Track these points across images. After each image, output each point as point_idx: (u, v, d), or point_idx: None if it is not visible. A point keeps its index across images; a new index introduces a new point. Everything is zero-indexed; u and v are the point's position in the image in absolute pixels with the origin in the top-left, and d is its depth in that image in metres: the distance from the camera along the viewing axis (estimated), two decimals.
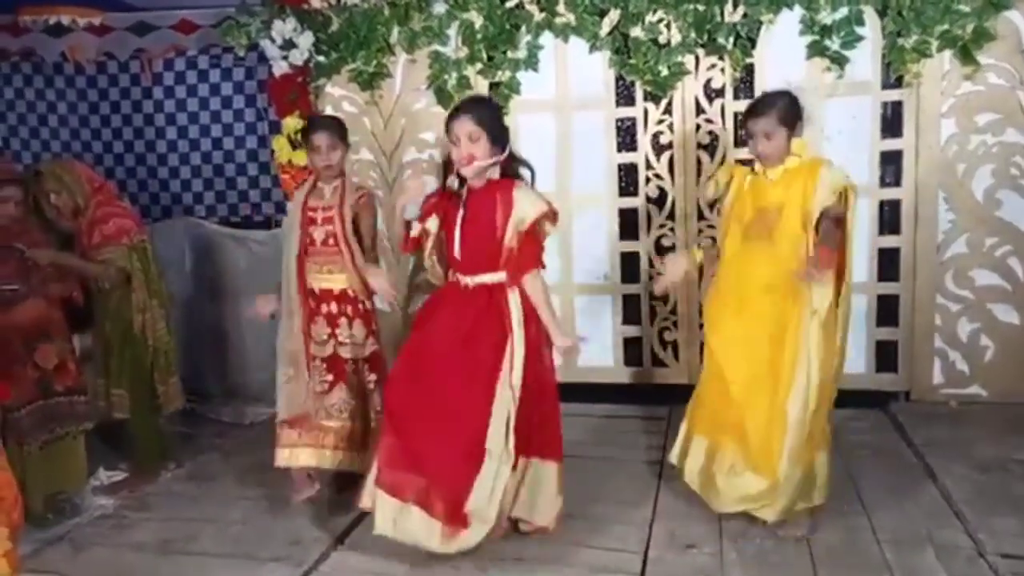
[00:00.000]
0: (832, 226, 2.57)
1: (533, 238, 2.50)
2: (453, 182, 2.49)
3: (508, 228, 2.45)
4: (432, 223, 2.57)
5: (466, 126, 2.40)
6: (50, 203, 3.29)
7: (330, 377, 3.02)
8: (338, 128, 3.02)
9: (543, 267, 2.56)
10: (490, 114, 2.47)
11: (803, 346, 2.56)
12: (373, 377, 3.07)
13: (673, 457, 2.93)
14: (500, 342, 2.47)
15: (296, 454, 3.03)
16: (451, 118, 2.46)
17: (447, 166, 2.54)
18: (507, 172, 2.53)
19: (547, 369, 2.63)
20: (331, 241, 2.99)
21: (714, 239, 4.03)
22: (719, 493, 2.72)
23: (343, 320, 3.02)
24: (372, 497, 2.53)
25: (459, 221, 2.50)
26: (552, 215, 2.50)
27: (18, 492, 2.41)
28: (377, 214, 3.15)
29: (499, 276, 2.51)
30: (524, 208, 2.44)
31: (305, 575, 2.63)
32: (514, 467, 2.53)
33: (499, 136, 2.46)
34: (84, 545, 2.92)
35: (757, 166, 2.73)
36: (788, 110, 2.60)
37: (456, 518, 2.44)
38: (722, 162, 3.98)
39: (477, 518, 2.46)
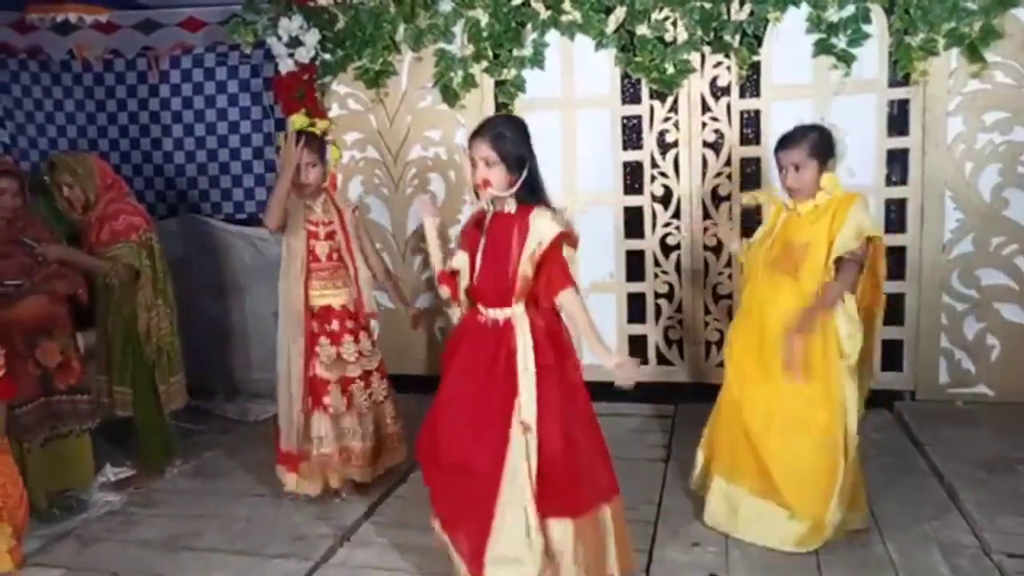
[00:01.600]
0: (849, 267, 2.53)
1: (556, 259, 2.27)
2: (487, 204, 2.32)
3: (522, 257, 2.25)
4: (460, 261, 2.37)
5: (483, 150, 2.24)
6: (62, 195, 3.31)
7: (345, 400, 3.03)
8: (318, 146, 3.04)
9: (575, 286, 2.30)
10: (511, 138, 2.26)
11: (835, 393, 2.52)
12: (384, 384, 3.14)
13: (693, 484, 2.90)
14: (511, 381, 2.26)
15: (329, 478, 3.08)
16: (473, 137, 2.30)
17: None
18: (532, 201, 2.30)
19: (581, 402, 2.36)
20: (335, 256, 3.03)
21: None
22: (751, 535, 2.64)
23: (348, 337, 3.04)
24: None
25: (481, 249, 2.33)
26: (571, 238, 2.30)
27: (24, 491, 2.43)
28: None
29: (510, 311, 2.30)
30: (540, 231, 2.24)
31: (311, 571, 2.63)
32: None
33: (519, 160, 2.25)
34: (91, 541, 2.93)
35: (788, 200, 2.68)
36: (819, 143, 2.56)
37: (475, 565, 2.27)
38: (728, 161, 3.98)
39: (500, 566, 2.24)
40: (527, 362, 2.25)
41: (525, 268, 2.26)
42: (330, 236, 3.04)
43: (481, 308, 2.35)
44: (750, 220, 3.95)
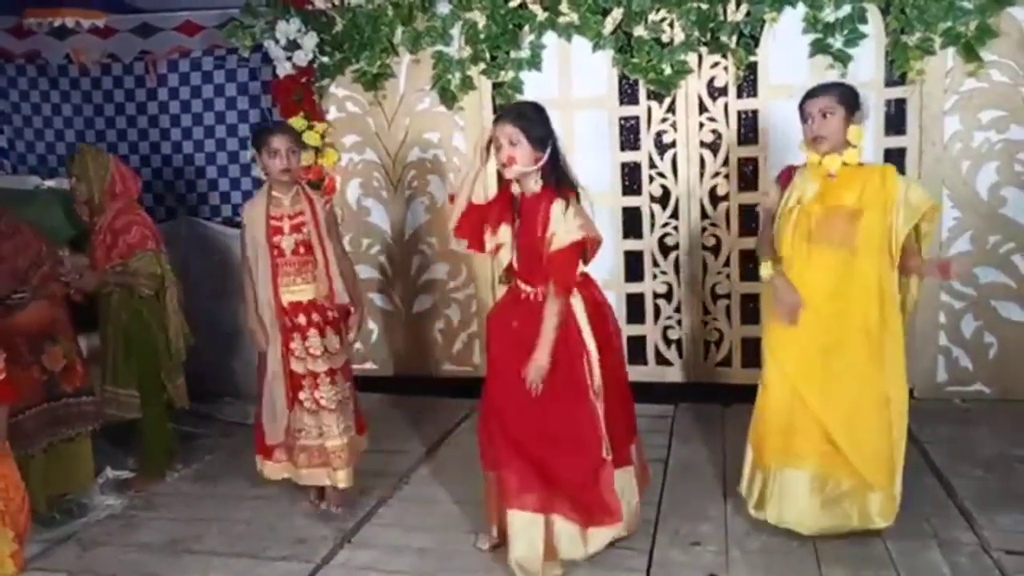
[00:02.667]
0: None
1: (564, 260, 2.38)
2: (515, 185, 2.47)
3: (546, 247, 2.38)
4: (504, 234, 2.49)
5: (507, 129, 2.37)
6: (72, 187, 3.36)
7: (335, 391, 2.98)
8: (295, 134, 3.02)
9: (568, 294, 2.44)
10: (532, 117, 2.40)
11: (898, 359, 2.53)
12: (348, 385, 3.06)
13: (743, 490, 2.77)
14: (578, 350, 2.46)
15: (301, 475, 3.06)
16: (495, 122, 2.43)
17: (500, 176, 2.52)
18: (554, 179, 2.42)
19: (621, 367, 2.70)
20: (301, 250, 2.91)
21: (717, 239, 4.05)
22: (827, 518, 2.58)
23: (313, 331, 2.94)
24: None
25: (515, 230, 2.48)
26: (587, 243, 2.41)
27: (26, 495, 2.43)
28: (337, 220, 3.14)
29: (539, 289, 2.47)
30: (557, 231, 2.36)
31: (312, 573, 2.63)
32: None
33: (542, 139, 2.38)
34: (92, 544, 2.93)
35: (811, 156, 2.57)
36: (848, 93, 2.55)
37: (597, 517, 2.49)
38: (726, 161, 3.99)
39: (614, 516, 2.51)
40: (588, 332, 2.46)
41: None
42: (297, 228, 2.91)
43: (521, 284, 2.52)
44: (748, 221, 3.97)
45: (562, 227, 2.36)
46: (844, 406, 2.54)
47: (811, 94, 2.59)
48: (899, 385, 2.56)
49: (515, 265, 2.51)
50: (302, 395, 2.97)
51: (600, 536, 2.50)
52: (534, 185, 2.44)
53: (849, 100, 2.53)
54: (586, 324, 2.47)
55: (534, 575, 2.41)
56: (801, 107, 2.61)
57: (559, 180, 2.42)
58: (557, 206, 2.37)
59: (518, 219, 2.48)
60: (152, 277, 3.34)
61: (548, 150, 2.39)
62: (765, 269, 2.71)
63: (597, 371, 2.47)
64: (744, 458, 2.77)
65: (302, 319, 2.95)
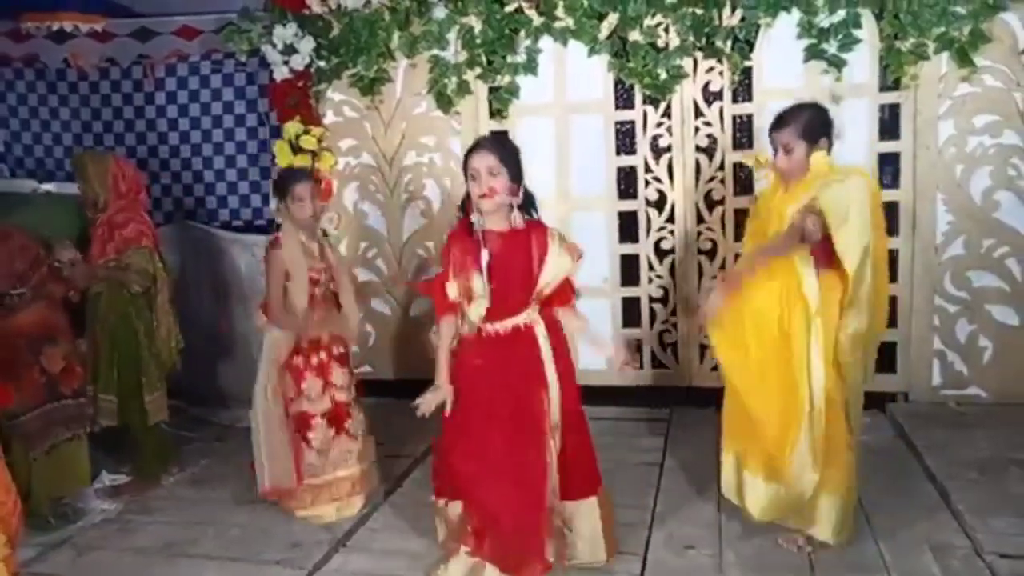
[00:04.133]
0: (787, 233, 2.48)
1: (569, 284, 2.53)
2: (480, 221, 2.38)
3: (542, 275, 2.41)
4: (478, 284, 2.37)
5: (487, 160, 2.34)
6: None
7: (332, 431, 3.04)
8: (313, 178, 3.15)
9: (577, 297, 2.57)
10: (510, 151, 2.41)
11: (808, 347, 2.48)
12: (361, 417, 3.15)
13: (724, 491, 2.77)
14: (539, 384, 2.44)
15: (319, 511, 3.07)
16: (471, 152, 2.39)
17: (465, 205, 2.45)
18: (529, 213, 2.49)
19: (578, 401, 2.57)
20: (327, 296, 3.09)
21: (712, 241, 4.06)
22: (750, 503, 2.62)
23: (335, 364, 3.06)
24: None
25: (486, 267, 2.37)
26: (579, 258, 2.50)
27: (17, 498, 2.43)
28: None
29: (526, 316, 2.44)
30: (558, 262, 2.42)
31: None
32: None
33: (518, 175, 2.40)
34: (87, 549, 2.94)
35: (775, 181, 2.66)
36: (810, 123, 2.52)
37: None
38: (721, 165, 4.00)
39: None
40: (551, 365, 2.44)
41: (545, 285, 2.42)
42: (327, 279, 3.08)
43: (488, 324, 2.43)
44: (743, 225, 3.97)
45: (562, 260, 2.43)
46: (768, 398, 2.55)
47: (775, 124, 2.58)
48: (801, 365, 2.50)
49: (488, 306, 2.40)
50: (311, 434, 3.01)
51: None
52: (508, 219, 2.40)
53: (810, 132, 2.51)
54: (549, 355, 2.44)
55: None
56: (769, 135, 2.61)
57: (537, 218, 2.49)
58: (553, 238, 2.44)
59: (488, 256, 2.37)
60: (144, 273, 3.34)
61: (523, 184, 2.41)
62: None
63: (556, 407, 2.43)
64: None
65: (323, 355, 3.04)
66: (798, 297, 2.51)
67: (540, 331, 2.45)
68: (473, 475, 2.42)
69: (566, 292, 2.52)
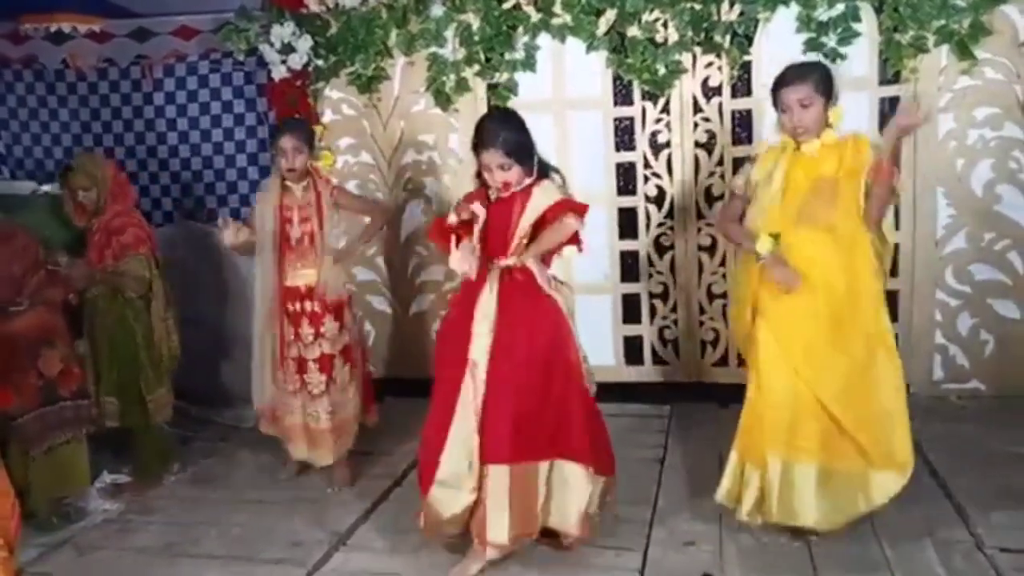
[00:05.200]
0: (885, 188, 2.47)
1: (554, 228, 2.45)
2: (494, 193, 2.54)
3: (522, 222, 2.46)
4: (479, 210, 2.49)
5: (496, 157, 2.42)
6: (75, 199, 3.37)
7: (324, 377, 3.14)
8: (303, 131, 3.16)
9: (578, 218, 2.52)
10: (516, 136, 2.46)
11: (882, 328, 2.51)
12: (347, 368, 3.21)
13: (722, 498, 2.68)
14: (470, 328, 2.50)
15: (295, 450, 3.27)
16: (480, 147, 2.45)
17: (480, 175, 2.56)
18: (538, 173, 2.56)
19: (570, 362, 2.54)
20: (306, 240, 3.14)
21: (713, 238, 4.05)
22: (837, 510, 2.52)
23: (305, 319, 3.15)
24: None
25: (488, 213, 2.52)
26: (573, 206, 2.47)
27: (15, 501, 2.44)
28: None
29: (505, 263, 2.51)
30: (538, 199, 2.46)
31: None
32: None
33: (528, 157, 2.47)
34: (88, 549, 2.94)
35: (788, 142, 2.57)
36: (825, 78, 2.49)
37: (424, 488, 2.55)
38: (720, 161, 3.99)
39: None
40: (489, 305, 2.45)
41: (523, 231, 2.46)
42: (305, 220, 3.15)
43: (497, 260, 2.52)
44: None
45: (541, 196, 2.47)
46: (840, 381, 2.50)
47: (787, 80, 2.49)
48: (891, 346, 2.56)
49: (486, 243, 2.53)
50: (281, 375, 3.20)
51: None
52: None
53: (826, 87, 2.49)
54: (494, 294, 2.47)
55: None
56: (775, 93, 2.53)
57: (542, 172, 2.54)
58: (539, 186, 2.49)
59: (488, 211, 2.52)
60: (140, 280, 3.35)
61: (535, 159, 2.47)
62: (764, 245, 2.53)
63: (482, 337, 2.45)
64: (725, 466, 2.69)
65: (297, 305, 3.15)
66: (865, 262, 2.50)
67: (493, 275, 2.47)
68: (424, 437, 2.55)
69: (559, 212, 2.45)
